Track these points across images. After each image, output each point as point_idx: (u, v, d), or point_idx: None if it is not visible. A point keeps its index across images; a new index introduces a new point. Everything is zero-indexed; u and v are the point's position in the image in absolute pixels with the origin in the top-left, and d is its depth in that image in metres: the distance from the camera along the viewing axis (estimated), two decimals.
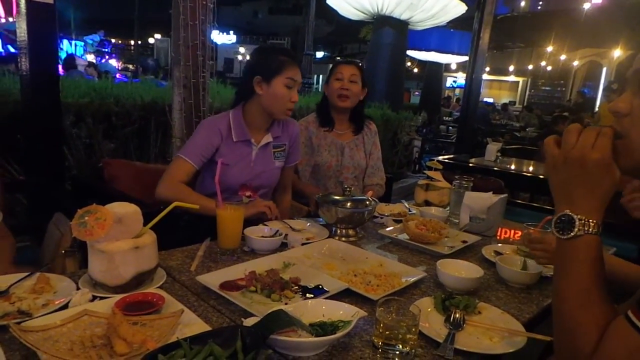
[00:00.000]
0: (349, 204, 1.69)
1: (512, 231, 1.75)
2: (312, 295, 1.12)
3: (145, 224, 1.15)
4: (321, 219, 1.75)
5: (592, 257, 0.75)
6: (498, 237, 1.73)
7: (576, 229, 0.75)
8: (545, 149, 0.83)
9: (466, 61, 5.86)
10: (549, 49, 15.85)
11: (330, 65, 2.48)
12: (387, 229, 1.74)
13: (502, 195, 1.79)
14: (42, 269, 1.16)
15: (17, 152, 2.54)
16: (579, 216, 0.76)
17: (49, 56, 2.07)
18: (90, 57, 14.50)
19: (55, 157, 2.12)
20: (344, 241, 1.60)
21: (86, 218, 1.04)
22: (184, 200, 1.41)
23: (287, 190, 2.09)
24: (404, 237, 1.64)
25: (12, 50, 10.95)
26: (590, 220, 0.75)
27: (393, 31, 8.18)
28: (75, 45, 14.31)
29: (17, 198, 2.06)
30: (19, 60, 2.06)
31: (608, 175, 0.75)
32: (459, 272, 1.27)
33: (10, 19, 12.49)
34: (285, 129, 1.96)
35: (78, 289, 1.06)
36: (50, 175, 2.02)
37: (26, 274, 1.11)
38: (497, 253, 1.50)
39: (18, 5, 1.96)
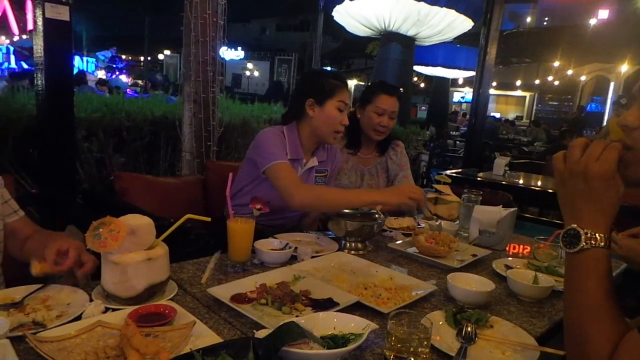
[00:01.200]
0: (358, 218, 1.69)
1: (522, 246, 1.75)
2: (323, 308, 1.12)
3: (156, 237, 1.16)
4: (330, 232, 1.76)
5: (601, 271, 0.76)
6: (508, 252, 1.72)
7: (582, 243, 0.76)
8: (553, 164, 0.84)
9: (473, 76, 5.88)
10: (556, 64, 15.89)
11: (363, 89, 2.32)
12: (397, 242, 1.74)
13: (512, 209, 1.78)
14: (55, 281, 1.17)
15: (30, 165, 2.58)
16: (585, 230, 0.76)
17: (64, 72, 2.12)
18: (101, 73, 14.74)
19: (68, 171, 2.15)
20: (353, 254, 1.59)
21: (100, 230, 1.06)
22: (328, 197, 1.64)
23: (318, 218, 2.04)
24: (413, 250, 1.64)
25: (25, 66, 11.18)
26: (597, 234, 0.76)
27: (400, 47, 8.25)
28: (87, 62, 14.57)
29: (29, 211, 2.08)
30: (35, 76, 2.11)
31: (612, 188, 0.76)
32: (470, 285, 1.27)
33: (24, 36, 12.78)
34: (330, 155, 1.99)
35: (91, 300, 1.07)
36: (63, 189, 2.06)
37: (40, 285, 1.12)
38: (508, 267, 1.49)
39: (35, 22, 2.02)
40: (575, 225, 0.77)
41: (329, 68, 23.11)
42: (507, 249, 1.75)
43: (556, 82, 18.16)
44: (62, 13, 1.94)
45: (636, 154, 0.77)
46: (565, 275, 0.81)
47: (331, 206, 1.69)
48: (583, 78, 17.55)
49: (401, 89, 2.35)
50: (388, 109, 2.19)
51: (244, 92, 19.08)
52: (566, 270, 0.80)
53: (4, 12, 12.51)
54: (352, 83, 25.39)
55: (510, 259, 1.58)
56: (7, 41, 12.55)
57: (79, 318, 0.99)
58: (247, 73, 23.67)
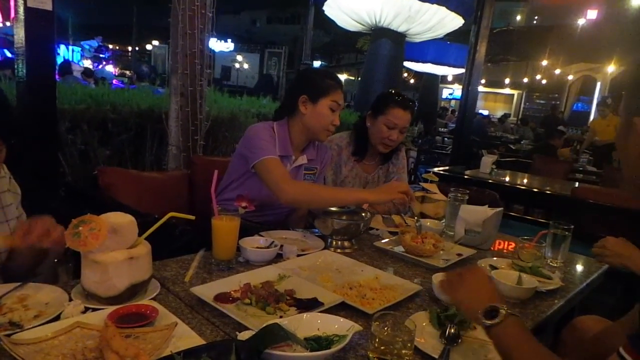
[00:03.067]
0: (344, 216, 1.68)
1: (507, 242, 1.75)
2: (307, 308, 1.11)
3: (139, 234, 1.14)
4: (317, 230, 1.75)
5: (525, 330, 0.89)
6: (493, 249, 1.73)
7: (502, 311, 0.89)
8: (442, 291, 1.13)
9: (462, 73, 5.91)
10: (544, 62, 16.04)
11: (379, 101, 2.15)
12: (383, 241, 1.74)
13: (498, 209, 1.79)
14: (34, 279, 1.15)
15: (10, 157, 2.52)
16: (500, 304, 0.91)
17: (46, 62, 2.07)
18: (87, 63, 14.50)
19: (50, 163, 2.10)
20: (339, 253, 1.59)
21: (80, 228, 1.04)
22: (319, 194, 1.66)
23: (305, 215, 2.00)
24: (399, 249, 1.64)
25: (8, 54, 10.93)
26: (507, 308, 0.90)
27: (390, 43, 8.24)
28: (73, 51, 14.31)
29: None
30: (15, 65, 2.06)
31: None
32: None
33: (8, 24, 12.48)
34: (319, 154, 1.97)
35: (70, 300, 1.05)
36: (45, 182, 2.01)
37: (17, 284, 1.10)
38: (493, 267, 1.50)
39: (17, 11, 1.96)
40: (492, 304, 0.91)
41: (319, 62, 23.07)
42: (493, 247, 1.76)
43: (544, 81, 18.34)
44: (45, 2, 1.89)
45: None
46: (497, 348, 0.89)
47: (322, 203, 1.69)
48: (570, 77, 17.75)
49: (415, 104, 2.30)
50: (400, 124, 2.13)
51: (233, 84, 18.94)
52: (496, 346, 0.89)
53: None
54: (341, 77, 25.33)
55: (495, 259, 1.59)
56: None
57: (57, 318, 0.97)
58: (237, 65, 23.50)
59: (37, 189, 1.96)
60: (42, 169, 2.08)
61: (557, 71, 16.81)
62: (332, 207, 1.70)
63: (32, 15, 1.93)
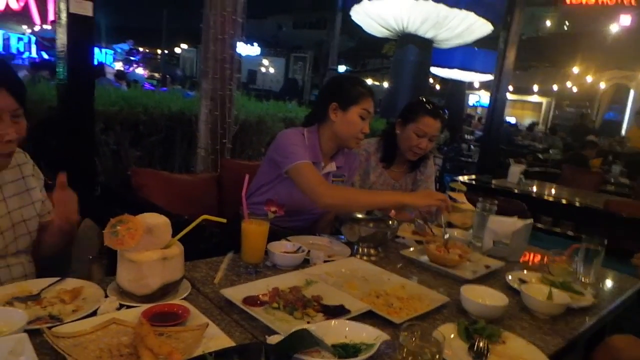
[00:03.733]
0: (371, 223, 1.68)
1: (534, 254, 1.71)
2: (334, 315, 1.12)
3: (172, 235, 1.17)
4: (343, 237, 1.75)
5: None
6: (523, 263, 1.70)
7: None
8: None
9: (489, 80, 5.84)
10: (575, 70, 15.66)
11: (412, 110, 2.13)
12: (409, 249, 1.73)
13: (528, 221, 1.76)
14: (71, 275, 1.19)
15: (48, 156, 2.61)
16: None
17: (85, 65, 2.15)
18: (119, 65, 14.90)
19: (87, 163, 2.18)
20: (365, 260, 1.59)
21: (118, 227, 1.07)
22: (356, 198, 1.67)
23: (332, 221, 2.01)
24: (425, 259, 1.63)
25: (45, 56, 11.33)
26: None
27: (417, 49, 8.17)
28: (105, 54, 14.71)
29: None
30: (57, 68, 2.14)
31: None
32: (483, 299, 1.25)
33: (45, 27, 12.95)
34: (347, 161, 1.99)
35: (106, 296, 1.08)
36: (81, 181, 2.08)
37: (57, 279, 1.14)
38: (522, 281, 1.48)
39: (59, 16, 2.04)
40: None
41: (343, 67, 23.09)
42: (522, 260, 1.73)
43: (574, 89, 17.90)
44: (86, 8, 1.96)
45: None
46: None
47: (360, 206, 1.70)
48: (602, 85, 17.27)
49: (446, 113, 2.25)
50: (430, 132, 2.12)
51: (258, 88, 19.14)
52: None
53: (26, 2, 12.69)
54: (367, 82, 25.29)
55: (524, 272, 1.56)
56: (29, 30, 12.73)
57: (94, 313, 1.01)
58: (263, 69, 23.76)
59: (74, 187, 2.03)
60: (79, 169, 2.16)
61: (589, 79, 16.39)
62: (369, 209, 1.71)
63: (74, 21, 2.00)
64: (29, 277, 1.30)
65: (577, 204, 3.95)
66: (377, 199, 1.73)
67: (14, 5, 12.51)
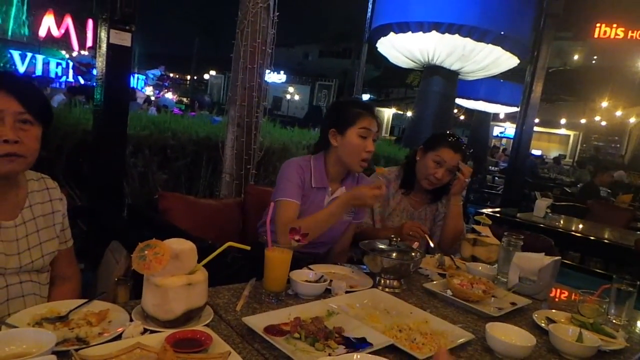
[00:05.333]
0: (394, 254, 1.67)
1: (561, 290, 1.66)
2: (356, 348, 1.11)
3: (197, 261, 1.19)
4: (365, 267, 1.74)
5: None
6: (550, 302, 1.65)
7: None
8: None
9: (515, 112, 5.80)
10: (604, 104, 15.44)
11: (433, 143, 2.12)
12: (432, 282, 1.70)
13: (556, 258, 1.72)
14: (97, 297, 1.22)
15: (80, 178, 2.71)
16: None
17: (121, 92, 2.25)
18: (149, 90, 15.44)
19: (116, 185, 2.25)
20: (387, 292, 1.57)
21: (146, 252, 1.09)
22: (310, 227, 1.63)
23: (347, 248, 2.06)
24: (448, 292, 1.60)
25: (81, 81, 11.84)
26: None
27: (442, 80, 8.23)
28: (137, 79, 15.28)
29: (77, 224, 2.19)
30: (95, 94, 2.24)
31: None
32: (510, 338, 1.22)
33: (83, 52, 13.58)
34: (360, 185, 1.99)
35: (131, 320, 1.10)
36: (110, 203, 2.14)
37: (84, 300, 1.17)
38: (550, 320, 1.43)
39: (99, 45, 2.15)
40: None
41: (368, 95, 23.36)
42: (549, 298, 1.67)
43: (603, 123, 17.59)
44: (125, 39, 2.06)
45: None
46: None
47: (318, 229, 1.73)
48: (632, 120, 16.92)
49: (466, 147, 2.26)
50: (447, 162, 2.13)
51: (283, 114, 19.48)
52: None
53: (67, 29, 13.37)
54: (390, 112, 25.48)
55: (553, 311, 1.52)
56: (67, 55, 13.36)
57: (119, 337, 1.02)
58: (288, 96, 24.21)
59: (104, 209, 2.10)
60: (108, 191, 2.22)
61: (618, 113, 16.10)
62: (329, 223, 1.75)
63: (113, 50, 2.11)
64: (37, 296, 1.33)
65: (606, 241, 3.83)
66: (328, 211, 1.76)
67: (55, 32, 13.20)
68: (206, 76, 26.97)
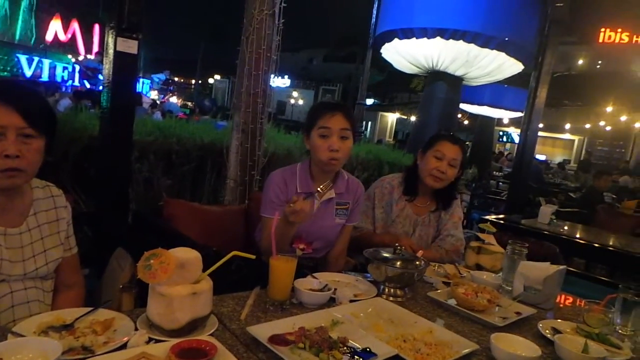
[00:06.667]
0: (398, 263, 1.67)
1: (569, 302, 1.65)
2: (361, 358, 1.11)
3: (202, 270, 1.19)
4: (369, 275, 1.74)
5: None
6: (555, 311, 1.64)
7: None
8: None
9: (519, 117, 5.80)
10: (609, 108, 15.39)
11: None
12: (437, 291, 1.70)
13: (561, 267, 1.71)
14: (103, 305, 1.22)
15: (86, 184, 2.72)
16: None
17: (127, 97, 2.26)
18: (154, 94, 15.53)
19: (122, 191, 2.26)
20: (391, 301, 1.57)
21: (151, 261, 1.10)
22: (273, 241, 1.56)
23: (343, 251, 2.06)
24: (453, 302, 1.60)
25: (87, 85, 11.93)
26: None
27: (446, 86, 8.23)
28: (143, 83, 15.37)
29: (82, 229, 2.20)
30: (101, 98, 2.25)
31: None
32: (514, 348, 1.21)
33: (89, 56, 13.70)
34: (350, 188, 2.00)
35: (136, 329, 1.10)
36: (115, 209, 2.15)
37: (90, 309, 1.17)
38: (555, 330, 1.42)
39: (106, 52, 2.17)
40: None
41: (371, 100, 23.37)
42: (555, 308, 1.67)
43: (608, 127, 17.52)
44: (132, 47, 2.08)
45: None
46: None
47: (283, 241, 1.69)
48: (637, 125, 16.85)
49: (465, 143, 2.31)
50: (448, 154, 2.15)
51: (287, 119, 19.52)
52: None
53: (74, 34, 13.48)
54: (394, 116, 25.49)
55: (558, 321, 1.51)
56: (73, 60, 13.47)
57: (124, 346, 1.02)
58: (292, 101, 24.26)
59: (108, 215, 2.11)
60: (113, 197, 2.24)
61: (623, 118, 16.04)
62: (283, 237, 1.66)
63: (120, 57, 2.13)
64: (42, 303, 1.34)
65: (611, 248, 3.80)
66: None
67: (62, 37, 13.32)
68: (210, 80, 27.11)
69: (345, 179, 2.00)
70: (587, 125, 19.00)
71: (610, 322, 1.51)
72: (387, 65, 10.49)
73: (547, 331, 1.42)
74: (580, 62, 19.78)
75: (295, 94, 24.52)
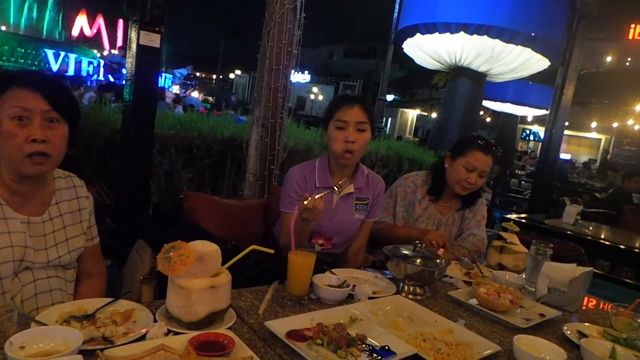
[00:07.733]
0: (419, 261, 1.64)
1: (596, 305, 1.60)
2: (380, 357, 1.09)
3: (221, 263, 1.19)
4: (388, 272, 1.72)
5: None
6: (581, 314, 1.59)
7: None
8: None
9: (544, 115, 5.66)
10: (638, 107, 14.93)
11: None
12: (457, 290, 1.67)
13: (588, 269, 1.66)
14: (123, 296, 1.23)
15: (108, 176, 2.76)
16: None
17: (149, 91, 2.28)
18: (176, 88, 15.72)
19: (143, 184, 2.28)
20: (411, 299, 1.55)
21: (171, 253, 1.10)
22: (290, 237, 1.55)
23: (363, 247, 2.04)
24: (474, 301, 1.56)
25: (111, 79, 12.15)
26: None
27: (470, 82, 8.10)
28: (165, 78, 15.56)
29: (105, 221, 2.23)
30: (124, 92, 2.28)
31: None
32: (538, 351, 1.18)
33: (113, 51, 13.94)
34: (370, 183, 1.98)
35: (155, 321, 1.11)
36: (136, 201, 2.18)
37: (111, 299, 1.18)
38: (581, 334, 1.38)
39: (129, 46, 2.19)
40: None
41: (392, 96, 23.20)
42: (580, 310, 1.62)
43: (637, 127, 17.00)
44: (155, 41, 2.10)
45: None
46: None
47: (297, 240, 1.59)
48: None
49: (498, 152, 2.21)
50: (479, 167, 2.08)
51: (307, 114, 19.53)
52: None
53: (99, 29, 13.74)
54: (415, 113, 25.25)
55: (585, 324, 1.46)
56: (98, 54, 13.74)
57: (143, 337, 1.03)
58: (312, 96, 24.24)
59: (130, 208, 2.13)
60: (135, 189, 2.26)
61: None
62: (300, 233, 1.62)
63: (143, 51, 2.15)
64: (64, 292, 1.36)
65: (638, 250, 3.68)
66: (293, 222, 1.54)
67: (88, 32, 13.59)
68: (231, 75, 27.30)
69: (365, 174, 1.97)
70: (615, 124, 18.47)
71: (638, 326, 1.46)
72: (408, 60, 10.37)
73: (573, 334, 1.38)
74: (609, 59, 19.21)
75: (315, 89, 24.49)
